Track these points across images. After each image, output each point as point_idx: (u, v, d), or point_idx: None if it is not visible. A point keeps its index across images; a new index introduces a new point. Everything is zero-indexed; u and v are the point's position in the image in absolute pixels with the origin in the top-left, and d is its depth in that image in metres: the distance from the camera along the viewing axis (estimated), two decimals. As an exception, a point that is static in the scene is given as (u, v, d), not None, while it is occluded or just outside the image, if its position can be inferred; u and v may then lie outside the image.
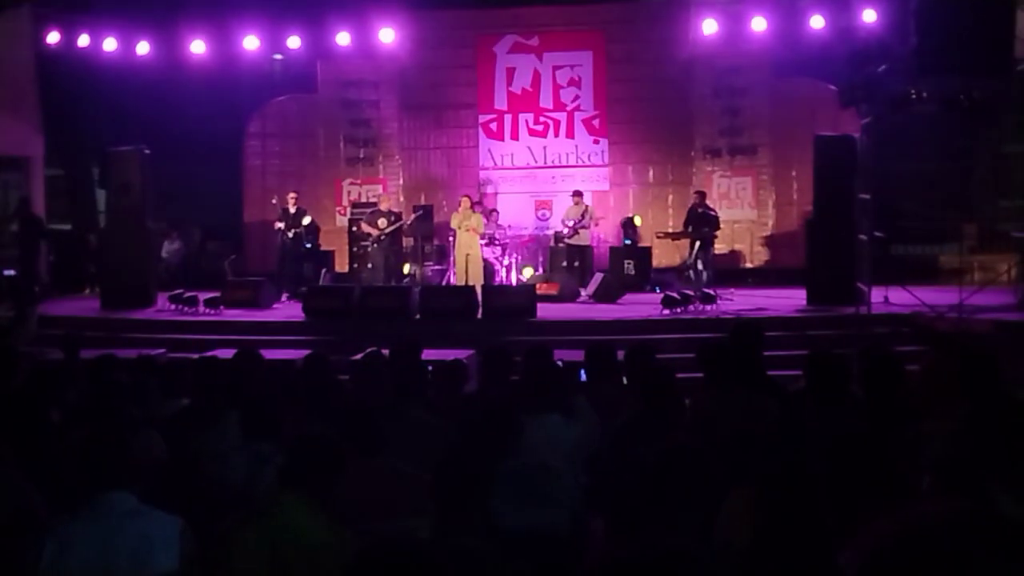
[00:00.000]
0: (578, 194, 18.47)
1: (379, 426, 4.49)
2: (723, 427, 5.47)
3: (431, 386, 6.24)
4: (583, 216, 18.17)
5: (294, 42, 19.61)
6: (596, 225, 18.77)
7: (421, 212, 18.14)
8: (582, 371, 6.93)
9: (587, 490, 4.51)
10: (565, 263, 18.16)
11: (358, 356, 7.35)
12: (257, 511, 3.71)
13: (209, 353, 8.90)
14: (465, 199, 17.30)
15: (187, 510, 3.96)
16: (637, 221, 19.18)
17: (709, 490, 3.89)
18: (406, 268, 17.55)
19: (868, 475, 3.96)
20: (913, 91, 13.32)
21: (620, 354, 7.13)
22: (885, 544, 2.89)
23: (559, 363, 6.46)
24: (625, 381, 6.89)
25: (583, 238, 18.29)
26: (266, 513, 3.61)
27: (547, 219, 19.90)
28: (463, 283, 16.51)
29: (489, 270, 17.65)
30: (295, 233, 17.84)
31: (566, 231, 18.30)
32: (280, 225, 17.82)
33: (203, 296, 15.93)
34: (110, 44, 19.64)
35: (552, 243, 18.93)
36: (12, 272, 16.28)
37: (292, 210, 17.86)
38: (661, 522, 3.54)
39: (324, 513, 3.63)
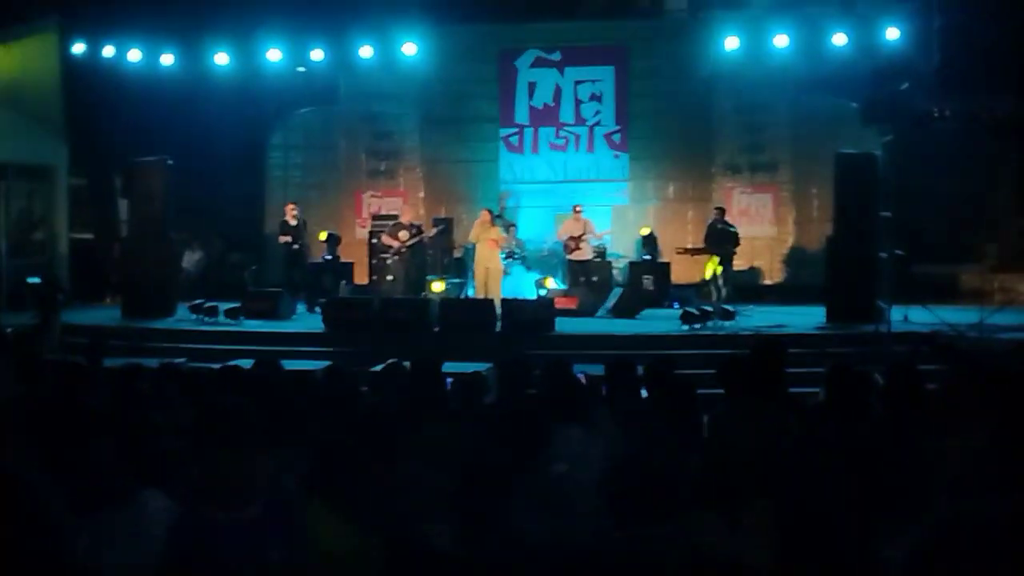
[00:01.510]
0: (578, 208, 18.46)
1: (399, 435, 4.51)
2: (743, 442, 5.48)
3: (451, 398, 6.26)
4: (584, 230, 18.18)
5: (317, 55, 19.74)
6: (599, 238, 18.68)
7: (443, 226, 18.17)
8: (603, 385, 6.94)
9: (608, 502, 4.51)
10: (584, 277, 18.15)
11: (378, 367, 7.35)
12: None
13: (230, 363, 8.93)
14: (485, 212, 17.30)
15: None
16: (643, 231, 19.12)
17: (730, 503, 3.90)
18: (436, 287, 17.40)
19: (887, 489, 3.97)
20: (936, 109, 13.33)
21: (639, 369, 7.14)
22: (934, 536, 2.88)
23: (581, 376, 6.47)
24: (645, 395, 6.89)
25: (584, 253, 18.28)
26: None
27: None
28: (482, 296, 16.52)
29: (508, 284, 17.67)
30: (301, 244, 17.89)
31: (561, 245, 18.32)
32: (286, 238, 17.84)
33: (223, 306, 16.00)
34: (135, 55, 19.82)
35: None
36: (37, 279, 16.39)
37: (293, 222, 17.89)
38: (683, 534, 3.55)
39: (349, 520, 3.65)
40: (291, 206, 18.14)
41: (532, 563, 3.33)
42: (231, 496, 3.54)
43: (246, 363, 8.32)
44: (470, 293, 17.40)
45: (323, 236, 18.21)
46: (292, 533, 3.53)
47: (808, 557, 3.82)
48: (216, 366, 9.89)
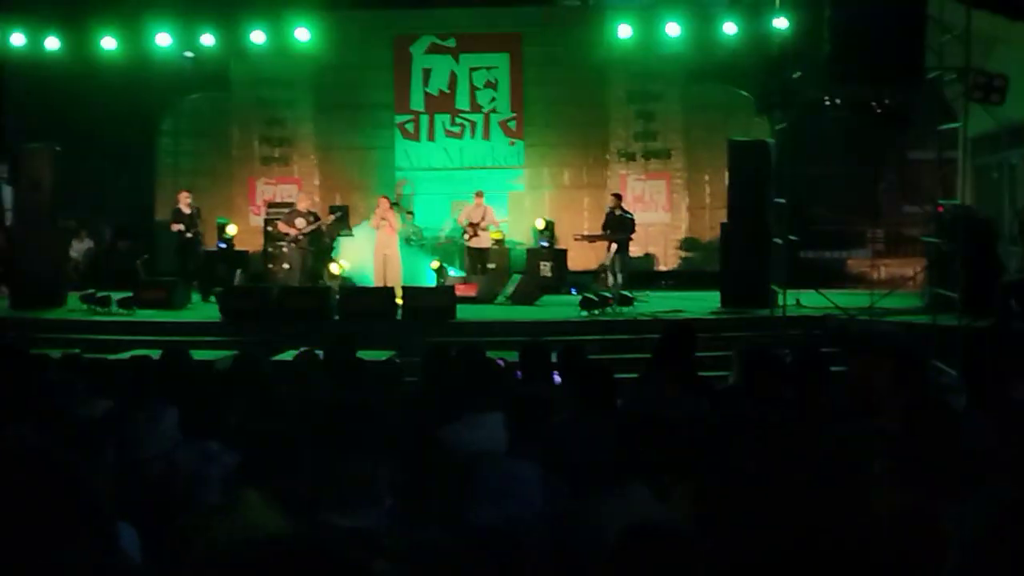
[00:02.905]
0: (479, 194, 18.50)
1: (329, 421, 4.49)
2: (660, 420, 5.57)
3: (368, 385, 6.25)
4: (483, 216, 18.23)
5: (208, 40, 19.36)
6: (496, 226, 18.73)
7: (340, 213, 18.00)
8: (516, 372, 6.99)
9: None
10: (482, 264, 18.19)
11: (289, 356, 7.29)
12: (215, 509, 3.70)
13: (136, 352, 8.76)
14: (383, 199, 17.19)
15: (135, 512, 3.92)
16: (539, 224, 19.18)
17: (656, 478, 3.98)
18: (333, 269, 17.32)
19: (802, 469, 4.08)
20: (826, 98, 13.63)
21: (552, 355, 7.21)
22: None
23: (500, 362, 6.51)
24: (558, 380, 6.96)
25: (483, 240, 18.32)
26: (226, 511, 3.59)
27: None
28: (381, 283, 16.43)
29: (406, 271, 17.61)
30: (194, 233, 17.62)
31: (461, 229, 18.35)
32: (179, 226, 17.55)
33: (116, 296, 15.66)
34: (18, 39, 19.20)
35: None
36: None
37: (187, 210, 17.61)
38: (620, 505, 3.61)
39: (282, 509, 3.62)
40: (184, 193, 17.82)
41: (471, 546, 3.34)
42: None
43: (147, 353, 8.17)
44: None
45: (233, 231, 17.98)
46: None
47: (726, 532, 3.90)
48: (115, 357, 9.75)
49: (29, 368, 6.69)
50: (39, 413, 5.23)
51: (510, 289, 16.85)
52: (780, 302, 14.41)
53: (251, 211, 20.20)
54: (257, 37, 19.43)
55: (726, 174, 16.80)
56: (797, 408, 5.48)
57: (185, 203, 17.66)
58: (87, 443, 4.78)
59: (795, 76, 13.86)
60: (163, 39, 19.22)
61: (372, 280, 16.76)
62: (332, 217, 17.63)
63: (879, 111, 13.21)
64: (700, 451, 4.44)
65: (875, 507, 3.54)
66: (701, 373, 7.92)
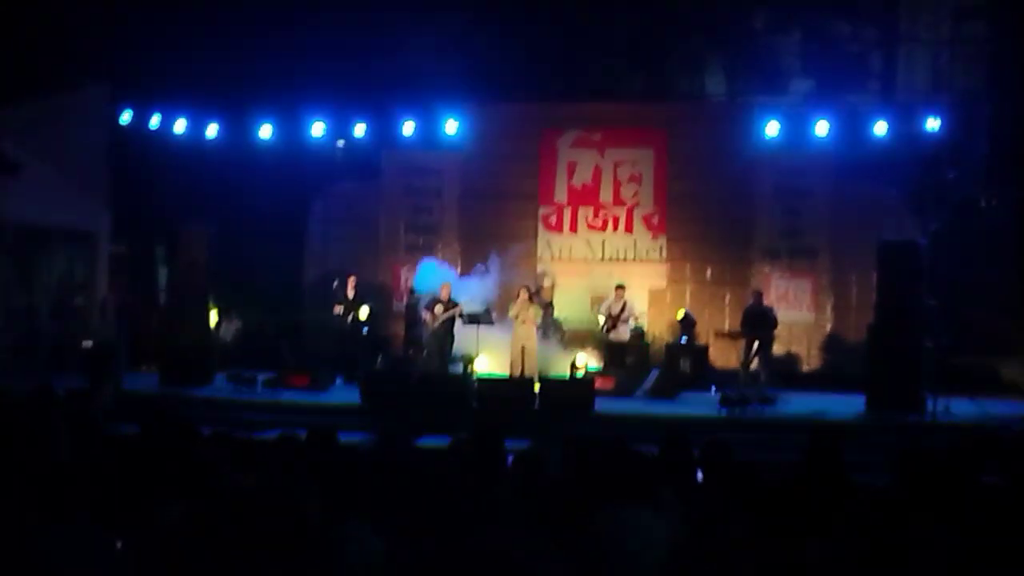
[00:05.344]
0: (621, 287, 18.47)
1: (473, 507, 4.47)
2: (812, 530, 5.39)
3: (511, 474, 6.20)
4: (623, 309, 18.16)
5: (360, 129, 19.99)
6: (636, 320, 18.67)
7: (485, 310, 18.06)
8: (659, 465, 6.85)
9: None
10: (621, 358, 18.07)
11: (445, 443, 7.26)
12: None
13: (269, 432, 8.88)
14: (523, 290, 17.28)
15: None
16: (678, 314, 19.03)
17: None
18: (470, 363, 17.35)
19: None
20: (982, 198, 13.31)
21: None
22: None
23: (646, 453, 6.40)
24: (700, 477, 6.81)
25: (621, 333, 18.24)
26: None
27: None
28: (518, 374, 16.46)
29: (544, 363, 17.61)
30: (354, 317, 17.98)
31: (602, 321, 18.30)
32: (339, 309, 17.96)
33: (261, 376, 16.01)
34: (181, 125, 20.12)
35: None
36: (90, 343, 16.51)
37: (351, 295, 18.02)
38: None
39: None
40: (352, 278, 18.26)
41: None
42: None
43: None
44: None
45: (365, 314, 18.27)
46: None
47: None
48: (261, 436, 9.90)
49: (184, 440, 6.84)
50: (191, 486, 5.32)
51: (649, 384, 16.69)
52: (930, 408, 13.94)
53: (395, 297, 20.50)
54: (407, 128, 19.99)
55: (874, 274, 16.41)
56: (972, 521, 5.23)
57: (352, 287, 18.08)
58: (236, 519, 4.83)
59: (950, 176, 13.56)
60: (317, 128, 19.92)
61: (507, 370, 16.81)
62: (466, 302, 17.59)
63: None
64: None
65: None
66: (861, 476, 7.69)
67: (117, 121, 19.87)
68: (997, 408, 14.13)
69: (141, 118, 20.11)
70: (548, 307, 18.70)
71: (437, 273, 18.65)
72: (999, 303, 18.08)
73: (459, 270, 20.53)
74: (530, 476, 5.92)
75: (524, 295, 17.12)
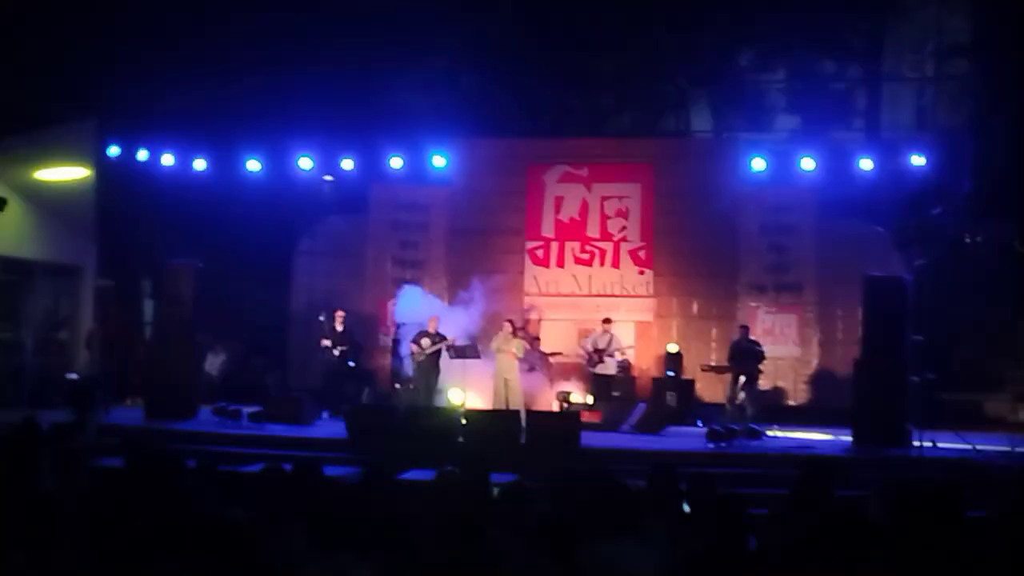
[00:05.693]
0: (607, 321, 18.53)
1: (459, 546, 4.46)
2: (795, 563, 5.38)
3: (497, 508, 6.19)
4: (609, 343, 18.21)
5: (348, 164, 20.08)
6: (623, 355, 18.72)
7: (469, 343, 18.08)
8: (645, 497, 6.85)
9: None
10: (608, 391, 18.08)
11: (419, 476, 7.28)
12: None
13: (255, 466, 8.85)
14: (507, 324, 17.34)
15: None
16: (671, 348, 19.08)
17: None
18: (454, 396, 17.36)
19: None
20: (967, 235, 13.40)
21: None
22: None
23: (634, 485, 6.40)
24: (687, 510, 6.80)
25: (608, 367, 18.28)
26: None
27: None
28: (501, 407, 16.47)
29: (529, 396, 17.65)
30: (341, 351, 17.97)
31: (584, 355, 18.35)
32: (327, 343, 17.96)
33: (246, 410, 15.96)
34: (168, 159, 20.14)
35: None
36: (75, 376, 16.46)
37: (339, 328, 18.02)
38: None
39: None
40: (340, 313, 18.28)
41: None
42: None
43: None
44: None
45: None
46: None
47: None
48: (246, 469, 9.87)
49: (169, 473, 6.81)
50: (177, 519, 5.29)
51: (635, 417, 16.70)
52: (915, 442, 13.96)
53: (381, 332, 20.47)
54: (395, 163, 20.07)
55: (859, 309, 16.48)
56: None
57: (340, 321, 18.09)
58: (222, 551, 4.80)
59: (934, 212, 13.65)
60: (305, 163, 19.98)
61: (490, 403, 16.85)
62: (454, 338, 17.62)
63: (1021, 249, 12.91)
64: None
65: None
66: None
67: (105, 155, 19.85)
68: (982, 443, 14.15)
69: (129, 151, 20.12)
70: (535, 341, 18.72)
71: (419, 301, 18.66)
72: (984, 338, 18.18)
73: (445, 302, 20.57)
74: (516, 509, 5.91)
75: (508, 328, 17.18)
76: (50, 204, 19.20)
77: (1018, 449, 13.75)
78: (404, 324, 18.63)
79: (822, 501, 6.27)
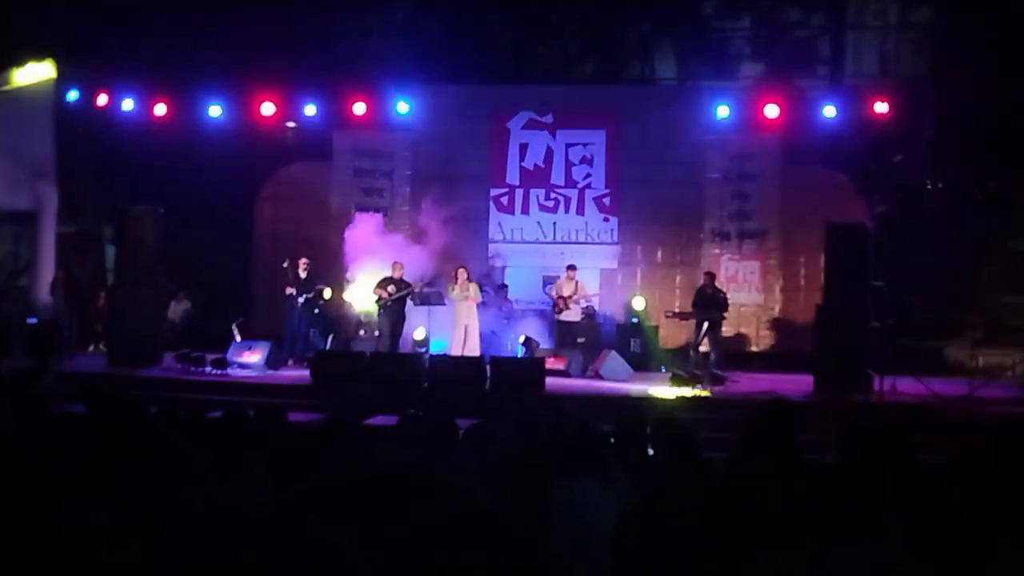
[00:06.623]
0: (572, 268, 18.57)
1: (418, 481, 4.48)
2: (752, 499, 5.46)
3: (462, 448, 6.22)
4: (574, 291, 18.27)
5: (311, 110, 19.89)
6: (588, 301, 18.79)
7: (430, 280, 18.13)
8: (611, 440, 6.92)
9: (627, 555, 4.47)
10: (571, 338, 18.16)
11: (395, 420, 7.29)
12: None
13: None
14: (462, 270, 17.35)
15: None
16: (637, 305, 19.16)
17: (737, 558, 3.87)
18: (418, 334, 17.54)
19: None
20: (928, 182, 13.48)
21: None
22: None
23: (597, 429, 6.45)
24: (651, 451, 6.88)
25: (573, 314, 18.35)
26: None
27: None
28: (460, 354, 16.53)
29: (494, 342, 17.74)
30: (306, 299, 17.90)
31: (551, 302, 18.43)
32: (291, 290, 17.88)
33: (210, 356, 15.91)
34: (128, 104, 19.87)
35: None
36: (34, 320, 16.34)
37: (303, 275, 17.94)
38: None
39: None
40: (304, 260, 18.16)
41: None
42: None
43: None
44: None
45: (328, 295, 18.24)
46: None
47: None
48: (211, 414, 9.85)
49: (131, 418, 6.79)
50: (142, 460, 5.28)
51: (599, 363, 16.80)
52: (876, 387, 14.13)
53: (345, 278, 20.37)
54: (358, 109, 19.90)
55: (821, 256, 16.58)
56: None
57: (304, 268, 17.99)
58: (187, 491, 4.81)
59: (896, 159, 13.72)
60: (267, 109, 19.77)
61: (450, 349, 16.91)
62: (422, 284, 17.66)
63: (981, 196, 13.01)
64: (787, 532, 4.33)
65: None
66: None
67: (63, 100, 19.57)
68: (941, 388, 14.32)
69: (88, 97, 19.85)
70: (501, 288, 18.76)
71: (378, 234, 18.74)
72: (944, 285, 18.34)
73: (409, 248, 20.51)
74: (480, 449, 5.95)
75: (464, 274, 17.21)
76: (8, 150, 18.94)
77: (976, 394, 13.93)
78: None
79: (782, 444, 6.33)
